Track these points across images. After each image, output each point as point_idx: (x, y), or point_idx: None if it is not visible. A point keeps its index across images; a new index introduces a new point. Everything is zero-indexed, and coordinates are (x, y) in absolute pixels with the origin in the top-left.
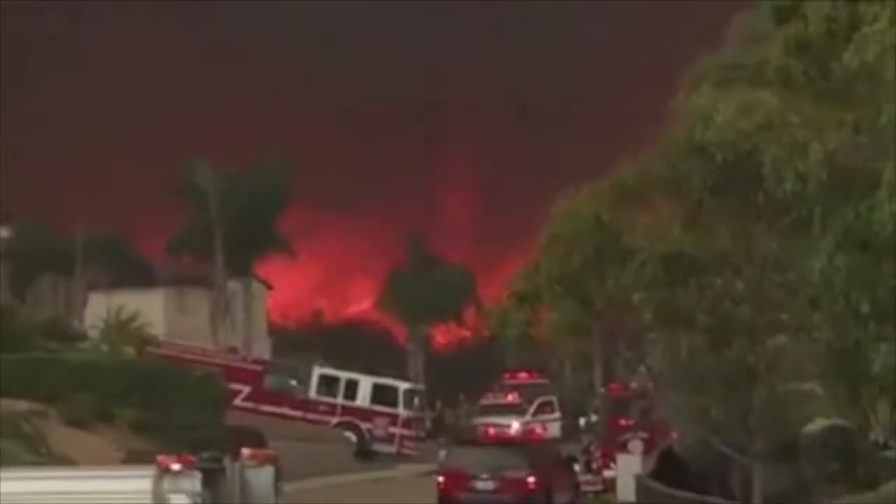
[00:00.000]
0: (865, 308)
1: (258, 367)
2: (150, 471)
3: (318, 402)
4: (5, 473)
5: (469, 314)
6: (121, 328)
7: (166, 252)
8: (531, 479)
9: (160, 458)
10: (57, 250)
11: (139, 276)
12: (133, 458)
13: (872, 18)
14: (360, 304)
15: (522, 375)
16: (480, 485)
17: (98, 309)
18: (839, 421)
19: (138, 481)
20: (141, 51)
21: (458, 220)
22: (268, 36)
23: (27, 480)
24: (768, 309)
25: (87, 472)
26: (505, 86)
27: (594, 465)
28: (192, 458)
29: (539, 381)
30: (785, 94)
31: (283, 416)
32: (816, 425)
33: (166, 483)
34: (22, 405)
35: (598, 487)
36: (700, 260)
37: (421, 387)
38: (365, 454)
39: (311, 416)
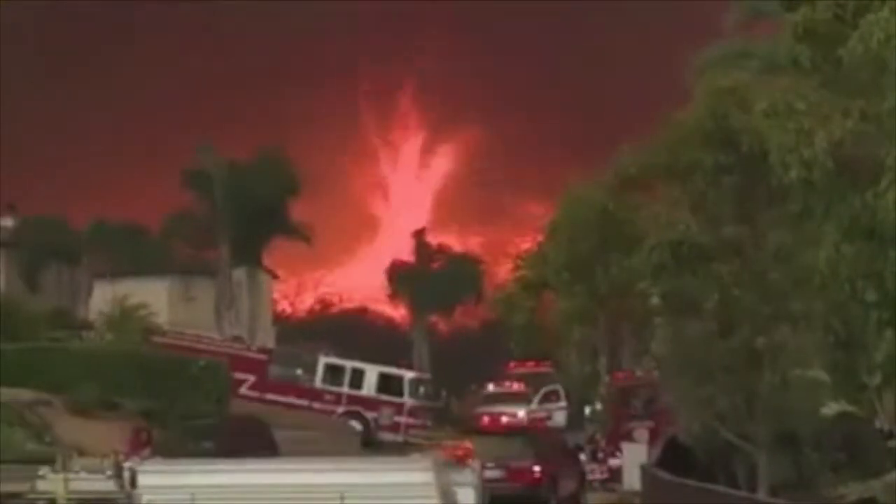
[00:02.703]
0: (871, 296)
1: (263, 356)
2: (429, 463)
3: (324, 391)
4: (283, 465)
5: (474, 303)
6: (126, 317)
7: (166, 236)
8: (536, 469)
9: (444, 449)
10: (62, 239)
11: (144, 265)
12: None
13: (879, 6)
14: (367, 293)
15: (528, 364)
16: (486, 474)
17: (103, 298)
18: (849, 408)
19: (420, 474)
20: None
21: (461, 205)
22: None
23: (306, 473)
24: (774, 297)
25: (366, 464)
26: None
27: (599, 454)
28: (472, 449)
29: (544, 369)
30: (792, 80)
31: (288, 405)
32: (830, 410)
33: (450, 475)
34: (27, 394)
35: (604, 476)
36: (707, 247)
37: (427, 376)
38: (370, 443)
39: (316, 405)
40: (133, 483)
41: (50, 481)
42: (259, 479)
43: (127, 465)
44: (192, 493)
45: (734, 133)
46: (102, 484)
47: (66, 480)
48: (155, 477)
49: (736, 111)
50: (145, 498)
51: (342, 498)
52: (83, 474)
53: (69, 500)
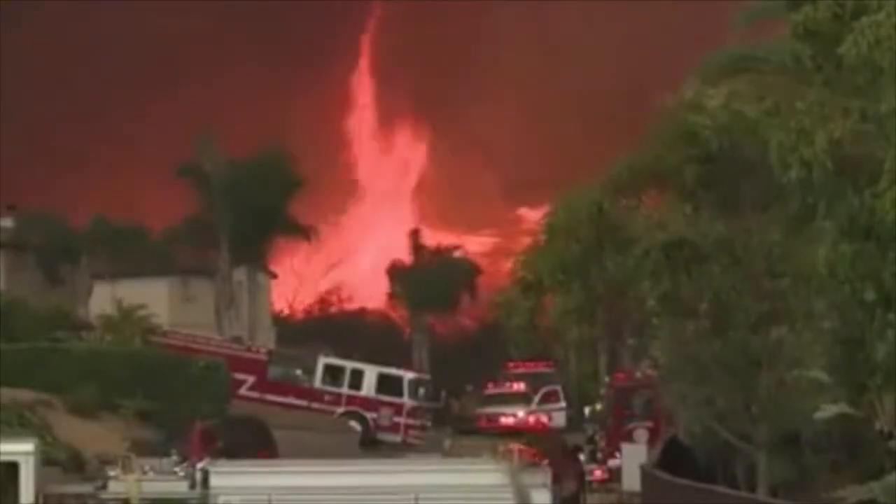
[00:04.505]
0: (870, 296)
1: (263, 357)
2: (503, 465)
3: (323, 392)
4: (354, 467)
5: (471, 303)
6: (125, 318)
7: (167, 242)
8: None
9: (518, 451)
10: (62, 239)
11: (144, 266)
12: (138, 448)
13: (877, 6)
14: (365, 294)
15: (527, 364)
16: None
17: (103, 298)
18: (847, 409)
19: (495, 475)
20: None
21: (460, 208)
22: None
23: (381, 474)
24: (770, 298)
25: (442, 465)
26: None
27: (599, 455)
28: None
29: (544, 370)
30: (792, 80)
31: (288, 406)
32: (827, 412)
33: (524, 477)
34: (27, 395)
35: (604, 477)
36: (701, 248)
37: (426, 376)
38: (370, 443)
39: (315, 405)
40: (205, 484)
41: (123, 483)
42: (335, 481)
43: (199, 465)
44: (268, 495)
45: (705, 141)
46: (174, 485)
47: (139, 481)
48: (229, 478)
49: (698, 121)
50: (221, 499)
51: (417, 499)
52: (152, 474)
53: (141, 501)
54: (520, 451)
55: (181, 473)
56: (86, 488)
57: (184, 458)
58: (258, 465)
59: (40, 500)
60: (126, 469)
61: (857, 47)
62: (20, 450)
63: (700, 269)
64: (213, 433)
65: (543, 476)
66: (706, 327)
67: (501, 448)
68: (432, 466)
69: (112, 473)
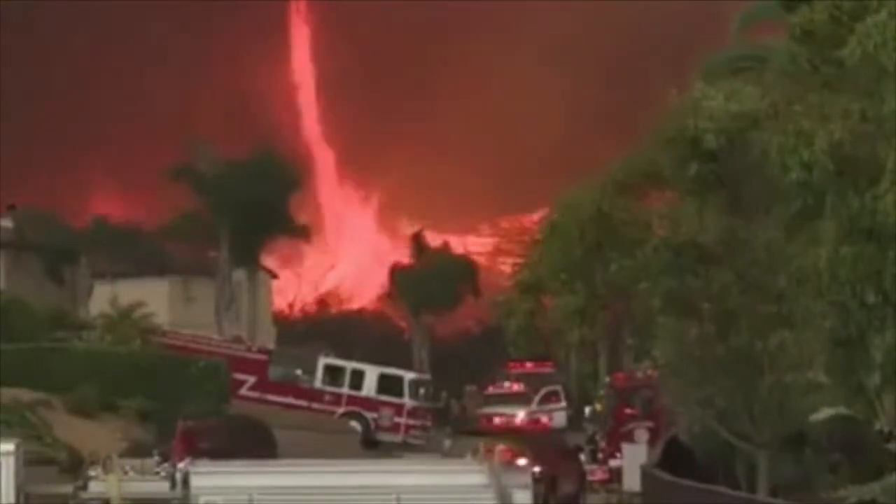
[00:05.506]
0: (870, 297)
1: (263, 357)
2: (484, 465)
3: (324, 392)
4: (336, 467)
5: (472, 303)
6: (125, 318)
7: (160, 238)
8: (535, 470)
9: (501, 451)
10: (62, 239)
11: (144, 265)
12: (137, 449)
13: (876, 7)
14: (366, 294)
15: (528, 365)
16: None
17: (103, 298)
18: (844, 410)
19: (477, 476)
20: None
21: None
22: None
23: (363, 474)
24: (771, 298)
25: (424, 466)
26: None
27: (600, 455)
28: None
29: (544, 370)
30: (792, 81)
31: (289, 406)
32: (822, 414)
33: (506, 478)
34: (27, 395)
35: (604, 477)
36: (709, 249)
37: (427, 377)
38: (370, 443)
39: (316, 405)
40: (186, 484)
41: (104, 483)
42: (317, 481)
43: (180, 466)
44: (249, 495)
45: (704, 136)
46: (156, 485)
47: (121, 481)
48: (210, 478)
49: (694, 118)
50: (202, 499)
51: (398, 499)
52: (132, 474)
53: (122, 501)
54: (501, 451)
55: (162, 474)
56: (67, 488)
57: (165, 458)
58: (239, 465)
59: (21, 500)
60: (107, 469)
61: (863, 47)
62: (0, 449)
63: (706, 269)
64: (196, 433)
65: (525, 476)
66: (708, 328)
67: (483, 448)
68: (414, 466)
69: (92, 473)
